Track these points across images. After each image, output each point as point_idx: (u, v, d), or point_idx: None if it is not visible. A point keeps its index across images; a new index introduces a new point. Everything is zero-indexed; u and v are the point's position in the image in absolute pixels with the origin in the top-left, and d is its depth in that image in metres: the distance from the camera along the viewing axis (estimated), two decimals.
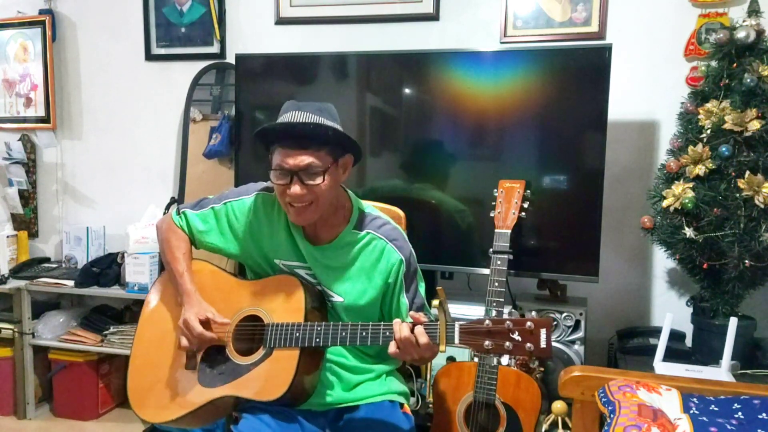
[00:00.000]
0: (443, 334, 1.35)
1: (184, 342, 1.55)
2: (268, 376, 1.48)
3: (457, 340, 1.35)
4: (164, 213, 2.87)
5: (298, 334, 1.48)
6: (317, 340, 1.47)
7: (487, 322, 1.33)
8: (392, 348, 1.40)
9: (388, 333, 1.42)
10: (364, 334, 1.45)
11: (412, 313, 1.46)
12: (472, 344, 1.34)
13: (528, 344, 1.30)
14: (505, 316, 1.39)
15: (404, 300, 1.62)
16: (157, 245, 1.83)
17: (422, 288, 1.69)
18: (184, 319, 1.55)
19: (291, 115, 1.52)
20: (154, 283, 1.78)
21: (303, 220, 1.56)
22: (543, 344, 1.30)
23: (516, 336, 1.31)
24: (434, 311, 1.41)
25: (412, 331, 1.38)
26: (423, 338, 1.37)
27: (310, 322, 1.50)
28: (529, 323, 1.31)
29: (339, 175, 1.57)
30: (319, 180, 1.50)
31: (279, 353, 1.49)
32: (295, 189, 1.49)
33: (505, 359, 2.05)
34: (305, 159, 1.48)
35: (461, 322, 1.36)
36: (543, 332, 1.30)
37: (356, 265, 1.61)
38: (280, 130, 1.52)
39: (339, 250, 1.62)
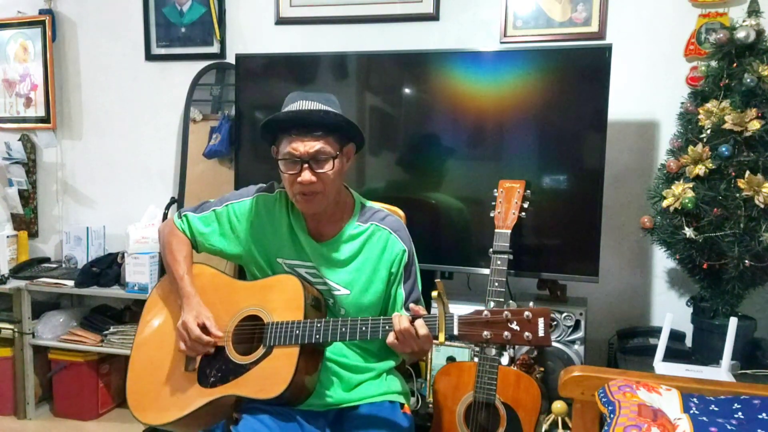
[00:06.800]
0: (442, 324, 1.36)
1: (182, 345, 1.56)
2: (268, 374, 1.48)
3: (456, 331, 1.36)
4: (164, 213, 2.87)
5: (297, 332, 1.48)
6: (317, 336, 1.47)
7: (485, 312, 1.34)
8: (390, 338, 1.41)
9: (387, 327, 1.42)
10: (363, 328, 1.45)
11: (412, 305, 1.46)
12: (471, 335, 1.35)
13: (526, 333, 1.31)
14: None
15: (401, 291, 1.63)
16: (157, 245, 1.84)
17: (420, 283, 1.69)
18: (182, 322, 1.55)
19: (299, 104, 1.54)
20: (154, 286, 1.78)
21: (312, 208, 1.57)
22: (541, 333, 1.31)
23: (514, 326, 1.32)
24: (434, 304, 1.41)
25: (411, 323, 1.38)
26: (423, 330, 1.38)
27: (309, 319, 1.50)
28: (527, 313, 1.32)
29: (344, 163, 1.59)
30: (328, 167, 1.52)
31: (279, 351, 1.49)
32: (306, 176, 1.50)
33: (505, 359, 2.05)
34: (315, 145, 1.50)
35: (460, 314, 1.37)
36: (541, 321, 1.31)
37: (362, 257, 1.63)
38: (290, 119, 1.53)
39: (344, 244, 1.63)
